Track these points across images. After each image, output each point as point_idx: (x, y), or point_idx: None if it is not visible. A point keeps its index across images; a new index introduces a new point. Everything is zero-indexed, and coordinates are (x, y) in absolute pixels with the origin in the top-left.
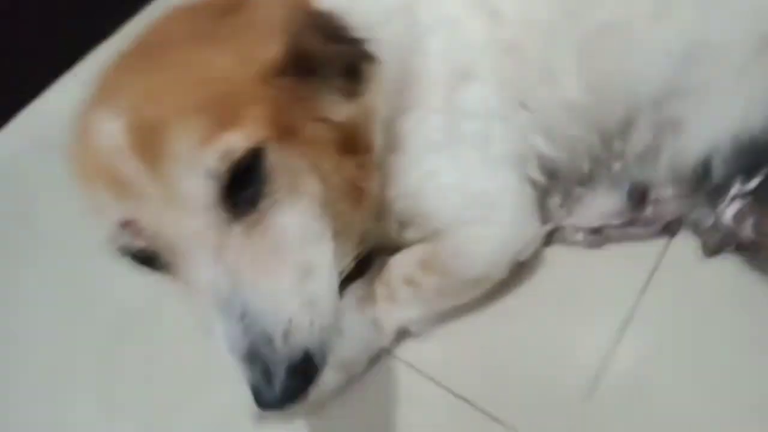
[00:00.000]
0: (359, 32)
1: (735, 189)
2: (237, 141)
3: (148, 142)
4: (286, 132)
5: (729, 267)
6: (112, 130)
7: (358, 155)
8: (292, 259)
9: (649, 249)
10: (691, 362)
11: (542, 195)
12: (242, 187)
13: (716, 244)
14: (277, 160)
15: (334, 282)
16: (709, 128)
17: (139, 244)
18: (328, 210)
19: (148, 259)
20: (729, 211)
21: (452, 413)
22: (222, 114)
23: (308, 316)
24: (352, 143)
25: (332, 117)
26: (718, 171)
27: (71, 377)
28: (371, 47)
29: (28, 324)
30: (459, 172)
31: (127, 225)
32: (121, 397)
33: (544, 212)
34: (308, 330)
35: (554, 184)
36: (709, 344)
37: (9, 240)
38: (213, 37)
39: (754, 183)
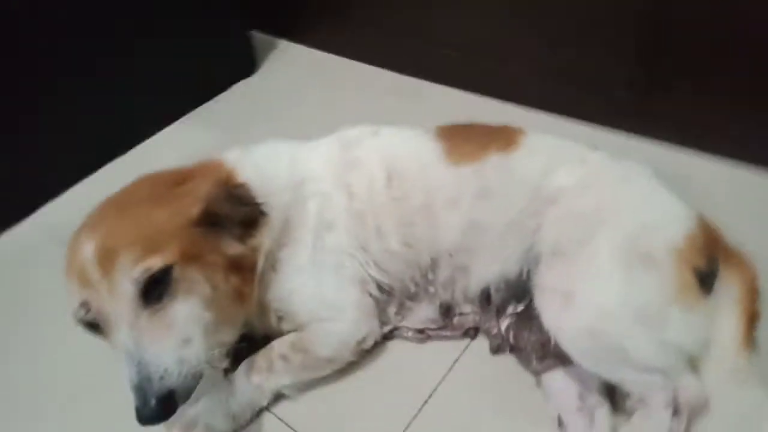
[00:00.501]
0: (257, 199)
1: (510, 310)
2: (155, 263)
3: (105, 259)
4: (191, 258)
5: (507, 362)
6: (87, 248)
7: (243, 272)
8: (176, 334)
9: (457, 345)
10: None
11: (384, 306)
12: (155, 288)
13: (497, 346)
14: (179, 274)
15: (202, 350)
16: (483, 271)
17: (90, 317)
18: (215, 305)
19: (95, 326)
20: (503, 325)
21: None
22: (150, 246)
23: (178, 369)
24: (239, 266)
25: (227, 251)
26: (496, 297)
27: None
28: (264, 209)
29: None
30: (318, 287)
31: (84, 304)
32: None
33: (385, 316)
34: (176, 377)
35: (391, 299)
36: (489, 418)
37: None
38: (160, 199)
39: (519, 308)
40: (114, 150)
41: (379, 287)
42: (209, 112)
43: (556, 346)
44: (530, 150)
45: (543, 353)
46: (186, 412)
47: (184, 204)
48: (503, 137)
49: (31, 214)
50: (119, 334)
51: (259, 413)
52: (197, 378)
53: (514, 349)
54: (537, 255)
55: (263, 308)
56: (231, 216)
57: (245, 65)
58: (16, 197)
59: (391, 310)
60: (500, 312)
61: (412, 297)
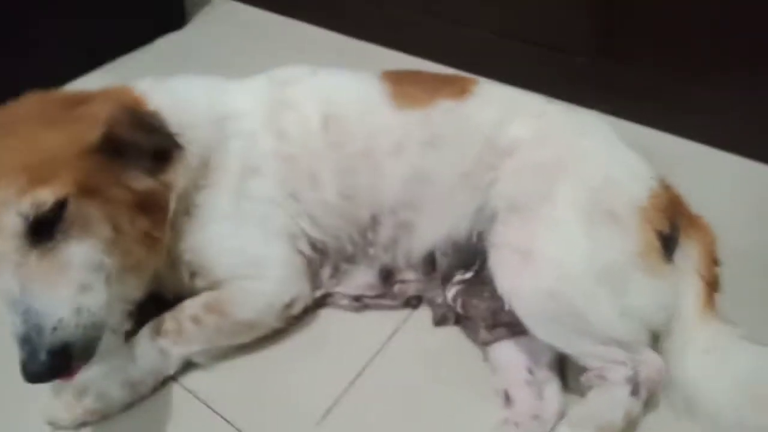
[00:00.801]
0: (170, 128)
1: (457, 277)
2: (46, 196)
3: None
4: (89, 192)
5: (450, 333)
6: None
7: (153, 214)
8: (73, 279)
9: (397, 315)
10: (411, 407)
11: (316, 267)
12: (45, 225)
13: (441, 316)
14: (75, 210)
15: (103, 299)
16: (429, 232)
17: None
18: (118, 250)
19: None
20: (449, 293)
21: None
22: (39, 175)
23: (75, 320)
24: (149, 205)
25: (133, 186)
26: (441, 262)
27: None
28: (177, 140)
29: None
30: (238, 239)
31: None
32: None
33: (318, 280)
34: (72, 329)
35: (325, 259)
36: (429, 393)
37: None
38: (53, 120)
39: (468, 275)
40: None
41: (312, 245)
42: (132, 62)
43: (509, 313)
44: (485, 99)
45: (493, 322)
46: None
47: (81, 127)
48: (455, 84)
49: None
50: (2, 277)
51: (163, 383)
52: (98, 331)
53: (460, 320)
54: (492, 212)
55: (174, 260)
56: (138, 145)
57: (174, 18)
58: None
59: (325, 272)
60: (446, 280)
61: (349, 259)
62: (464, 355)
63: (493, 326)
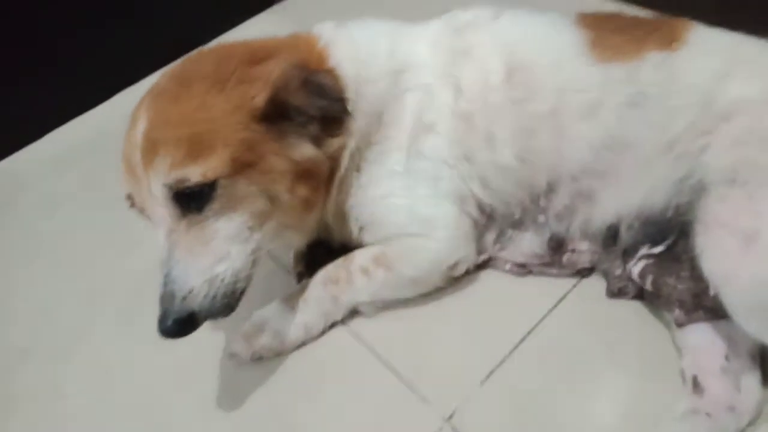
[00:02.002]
0: (343, 92)
1: (643, 251)
2: (193, 174)
3: (150, 151)
4: (246, 166)
5: (625, 306)
6: (138, 130)
7: (313, 181)
8: (212, 250)
9: (564, 282)
10: (575, 377)
11: (482, 231)
12: (192, 199)
13: (618, 289)
14: (226, 190)
15: (239, 266)
16: (615, 203)
17: (137, 210)
18: (273, 217)
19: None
20: (635, 268)
21: (379, 379)
22: (198, 149)
23: (206, 290)
24: (310, 174)
25: (293, 155)
26: (624, 236)
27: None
28: (348, 106)
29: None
30: (409, 197)
31: (129, 197)
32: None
33: (482, 244)
34: (200, 300)
35: (491, 224)
36: (599, 366)
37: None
38: (224, 82)
39: (657, 249)
40: (132, 77)
41: (480, 207)
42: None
43: (715, 298)
44: (701, 48)
45: (694, 305)
46: (254, 314)
47: (249, 91)
48: (665, 30)
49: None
50: (159, 237)
51: (331, 326)
52: (230, 298)
53: (643, 295)
54: (699, 185)
55: (342, 216)
56: (305, 109)
57: None
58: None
59: (489, 237)
60: (628, 253)
61: (516, 225)
62: (640, 331)
63: (692, 309)
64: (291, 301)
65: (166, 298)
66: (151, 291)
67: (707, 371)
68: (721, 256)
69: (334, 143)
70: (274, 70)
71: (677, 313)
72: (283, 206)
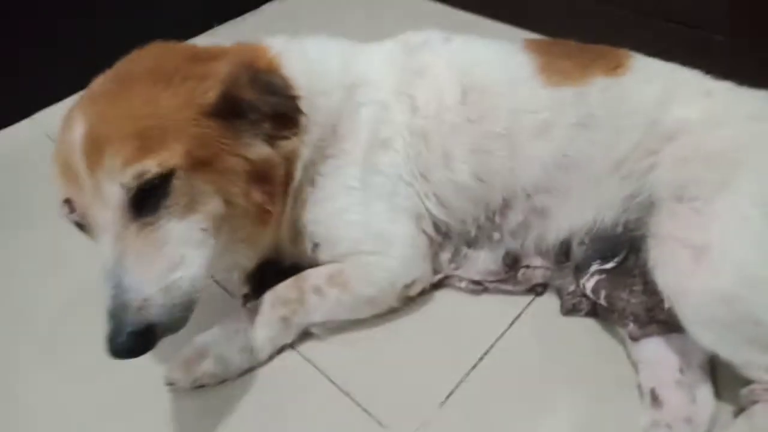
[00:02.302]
0: (295, 91)
1: (594, 267)
2: (151, 166)
3: (93, 151)
4: (200, 163)
5: (579, 323)
6: (76, 132)
7: (269, 186)
8: (168, 256)
9: (518, 300)
10: (533, 396)
11: (437, 250)
12: (149, 197)
13: (572, 306)
14: (181, 184)
15: (196, 275)
16: (567, 219)
17: (75, 217)
18: (227, 224)
19: (84, 227)
20: (588, 284)
21: (334, 404)
22: (149, 143)
23: (162, 299)
24: (266, 177)
25: (249, 155)
26: (576, 251)
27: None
28: (301, 105)
29: None
30: (365, 213)
31: (67, 202)
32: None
33: (437, 263)
34: (158, 309)
35: (447, 242)
36: (553, 386)
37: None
38: (168, 79)
39: (609, 265)
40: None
41: (436, 226)
42: (235, 27)
43: (669, 311)
44: (643, 75)
45: (647, 318)
46: (195, 338)
47: (198, 87)
48: (608, 57)
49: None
50: (103, 246)
51: (280, 351)
52: (187, 310)
53: (596, 311)
54: (648, 201)
55: (297, 231)
56: (257, 107)
57: None
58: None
59: (445, 255)
60: (580, 269)
61: (472, 242)
62: (595, 347)
63: (646, 323)
64: (236, 324)
65: (118, 310)
66: (76, 319)
67: (664, 383)
68: (674, 269)
69: (288, 145)
70: (223, 67)
71: (631, 327)
72: (239, 212)
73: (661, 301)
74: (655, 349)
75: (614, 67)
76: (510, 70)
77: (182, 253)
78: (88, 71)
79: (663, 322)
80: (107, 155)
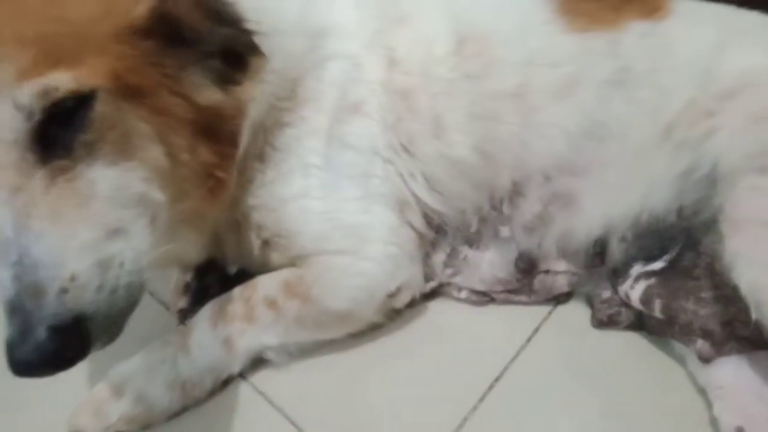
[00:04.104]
0: (251, 24)
1: (637, 269)
2: (62, 81)
3: None
4: (131, 91)
5: (615, 341)
6: None
7: (219, 144)
8: (97, 217)
9: (535, 312)
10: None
11: (428, 249)
12: (62, 129)
13: (608, 317)
14: (108, 112)
15: (144, 249)
16: (602, 209)
17: None
18: (169, 186)
19: None
20: (634, 291)
21: None
22: (57, 54)
23: (98, 279)
24: (214, 130)
25: (196, 97)
26: (617, 252)
27: None
28: (259, 41)
29: None
30: (330, 200)
31: None
32: None
33: (428, 267)
34: (93, 293)
35: (441, 239)
36: (586, 420)
37: None
38: None
39: (658, 265)
40: None
41: (426, 217)
42: None
43: (756, 324)
44: (690, 17)
45: (725, 334)
46: (110, 371)
47: None
48: None
49: None
50: None
51: (225, 383)
52: (132, 299)
53: (645, 324)
54: (712, 176)
55: (239, 220)
56: (202, 35)
57: None
58: None
59: (438, 257)
60: (618, 273)
61: (473, 240)
62: (640, 370)
63: (723, 340)
64: (164, 350)
65: (25, 296)
66: None
67: (754, 420)
68: (764, 264)
69: (241, 92)
70: None
71: (701, 345)
72: (184, 173)
73: (744, 310)
74: (735, 373)
75: (651, 9)
76: (521, 12)
77: (119, 215)
78: None
79: (746, 338)
80: None
